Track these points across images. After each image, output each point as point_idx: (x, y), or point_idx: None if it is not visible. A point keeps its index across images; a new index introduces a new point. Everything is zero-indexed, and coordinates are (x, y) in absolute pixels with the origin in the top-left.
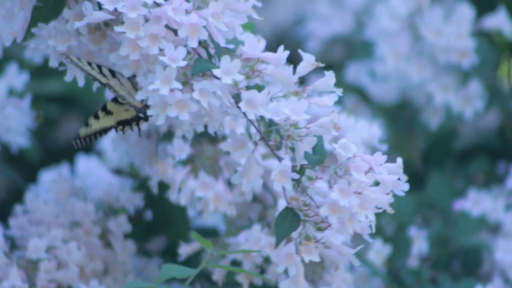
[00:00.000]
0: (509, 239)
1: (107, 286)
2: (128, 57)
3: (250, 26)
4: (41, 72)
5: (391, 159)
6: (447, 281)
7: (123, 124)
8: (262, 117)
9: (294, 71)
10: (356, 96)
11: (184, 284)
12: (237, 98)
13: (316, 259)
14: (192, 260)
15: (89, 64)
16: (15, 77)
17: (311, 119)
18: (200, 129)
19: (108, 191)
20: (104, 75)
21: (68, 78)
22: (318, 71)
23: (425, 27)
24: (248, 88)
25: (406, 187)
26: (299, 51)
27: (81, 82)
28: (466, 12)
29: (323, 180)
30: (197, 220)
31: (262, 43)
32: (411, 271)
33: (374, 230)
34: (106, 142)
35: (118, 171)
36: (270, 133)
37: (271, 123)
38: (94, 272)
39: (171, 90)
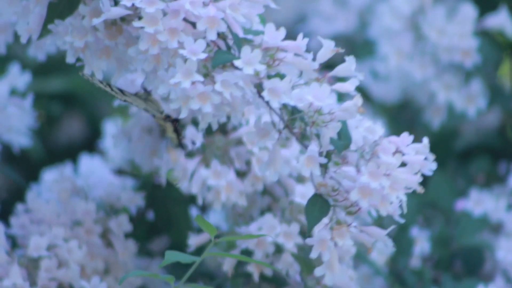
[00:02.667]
0: (511, 239)
1: (108, 285)
2: (147, 52)
3: (260, 18)
4: (42, 70)
5: None
6: (449, 281)
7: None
8: (284, 105)
9: (314, 59)
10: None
11: (185, 275)
12: (258, 87)
13: (349, 242)
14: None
15: (101, 82)
16: (18, 77)
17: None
18: (223, 120)
19: (109, 191)
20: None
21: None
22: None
23: (428, 26)
24: (269, 77)
25: (434, 166)
26: (319, 37)
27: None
28: (469, 12)
29: (350, 165)
30: None
31: (282, 31)
32: (413, 271)
33: (405, 210)
34: (109, 142)
35: (120, 171)
36: (294, 121)
37: (294, 111)
38: (95, 271)
39: (193, 83)
